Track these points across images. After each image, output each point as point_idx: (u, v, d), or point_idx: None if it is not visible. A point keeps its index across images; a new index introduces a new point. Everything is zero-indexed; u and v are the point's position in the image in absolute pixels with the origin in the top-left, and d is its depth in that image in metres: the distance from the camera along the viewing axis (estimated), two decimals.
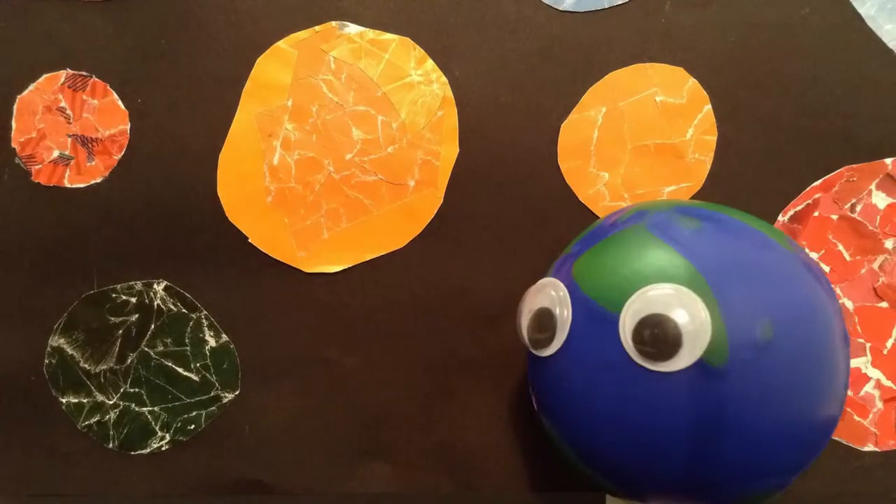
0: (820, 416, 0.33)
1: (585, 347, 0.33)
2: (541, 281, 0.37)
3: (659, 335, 0.30)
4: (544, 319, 0.35)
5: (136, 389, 0.47)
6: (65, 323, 0.47)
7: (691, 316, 0.30)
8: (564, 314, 0.34)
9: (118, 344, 0.47)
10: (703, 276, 0.31)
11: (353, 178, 0.46)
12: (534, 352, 0.36)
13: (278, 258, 0.47)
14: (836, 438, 0.46)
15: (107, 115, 0.46)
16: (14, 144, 0.46)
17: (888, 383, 0.45)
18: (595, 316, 0.33)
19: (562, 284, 0.35)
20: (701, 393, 0.30)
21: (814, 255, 0.46)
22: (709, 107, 0.45)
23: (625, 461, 0.33)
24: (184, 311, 0.47)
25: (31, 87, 0.46)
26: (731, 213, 0.36)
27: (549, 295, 0.35)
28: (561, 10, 0.45)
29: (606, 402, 0.32)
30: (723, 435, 0.31)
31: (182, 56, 0.46)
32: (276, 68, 0.46)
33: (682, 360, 0.30)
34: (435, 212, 0.47)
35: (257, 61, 0.46)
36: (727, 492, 0.33)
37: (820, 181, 0.46)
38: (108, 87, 0.46)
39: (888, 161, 0.45)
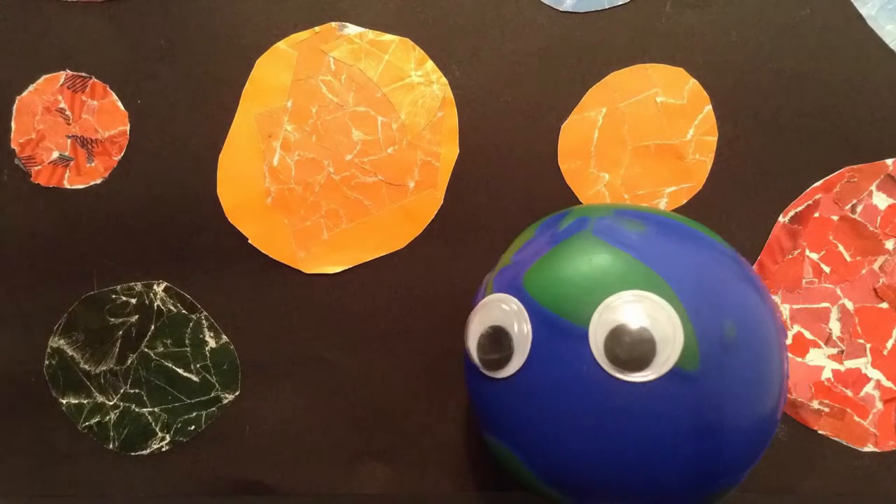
0: (772, 410, 0.33)
1: (551, 364, 0.32)
2: (488, 297, 0.35)
3: (633, 345, 0.30)
4: (498, 338, 0.33)
5: (137, 390, 0.47)
6: (65, 324, 0.47)
7: (663, 323, 0.30)
8: (524, 331, 0.32)
9: (118, 345, 0.47)
10: (666, 281, 0.31)
11: (353, 178, 0.46)
12: (487, 373, 0.34)
13: (278, 259, 0.47)
14: (836, 439, 0.46)
15: (106, 116, 0.46)
16: (14, 145, 0.46)
17: (888, 384, 0.45)
18: (560, 330, 0.31)
19: (514, 299, 0.33)
20: (676, 400, 0.30)
21: (814, 256, 0.46)
22: (709, 107, 0.45)
23: (598, 475, 0.32)
24: (184, 311, 0.47)
25: (31, 88, 0.46)
26: (667, 215, 0.36)
27: (502, 311, 0.33)
28: (561, 11, 0.45)
29: (579, 418, 0.31)
30: (698, 439, 0.31)
31: (182, 57, 0.46)
32: (276, 69, 0.46)
33: (658, 369, 0.30)
34: (435, 212, 0.46)
35: (257, 62, 0.46)
36: (699, 494, 0.33)
37: (821, 182, 0.45)
38: (108, 88, 0.46)
39: (889, 162, 0.45)
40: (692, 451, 0.31)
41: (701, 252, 0.34)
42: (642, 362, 0.30)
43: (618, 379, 0.30)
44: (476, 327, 0.35)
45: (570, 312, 0.31)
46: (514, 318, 0.33)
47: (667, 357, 0.30)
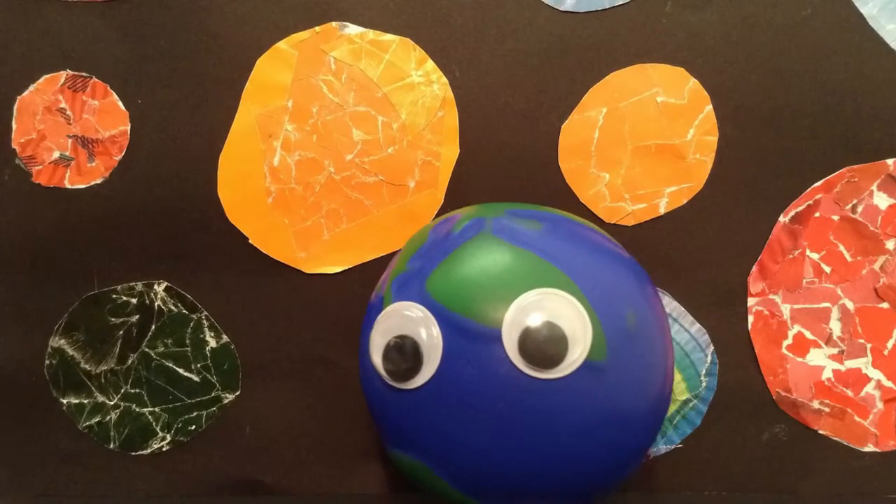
0: (667, 393, 0.35)
1: (465, 369, 0.31)
2: (390, 307, 0.34)
3: (547, 343, 0.30)
4: (406, 348, 0.32)
5: (137, 390, 0.47)
6: (65, 324, 0.47)
7: (573, 318, 0.31)
8: (434, 337, 0.32)
9: (119, 345, 0.47)
10: (569, 277, 0.32)
11: (354, 178, 0.46)
12: (396, 385, 0.33)
13: (279, 259, 0.47)
14: (836, 439, 0.46)
15: (107, 116, 0.46)
16: (14, 145, 0.46)
17: (888, 384, 0.45)
18: (471, 334, 0.31)
19: (419, 306, 0.33)
20: (589, 392, 0.31)
21: (815, 256, 0.46)
22: (710, 107, 0.45)
23: (517, 477, 0.32)
24: (184, 311, 0.47)
25: (32, 87, 0.46)
26: (555, 212, 0.37)
27: (407, 319, 0.32)
28: (561, 11, 0.45)
29: (497, 421, 0.31)
30: (610, 428, 0.32)
31: (182, 57, 0.46)
32: (277, 69, 0.46)
33: (572, 364, 0.30)
34: (435, 212, 0.46)
35: (257, 62, 0.46)
36: (609, 482, 0.34)
37: (821, 182, 0.45)
38: (109, 88, 0.46)
39: (889, 162, 0.45)
40: (605, 440, 0.32)
41: (595, 246, 0.35)
42: (556, 358, 0.30)
43: (533, 377, 0.30)
44: (380, 339, 0.33)
45: (480, 315, 0.31)
46: (421, 325, 0.32)
47: (580, 351, 0.31)
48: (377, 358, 0.33)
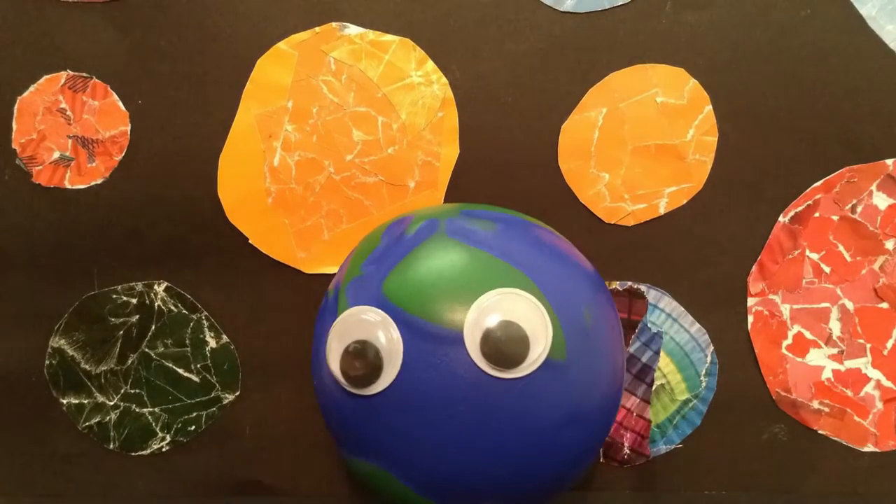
0: (620, 387, 0.35)
1: (427, 372, 0.31)
2: (347, 311, 0.33)
3: (509, 343, 0.30)
4: (365, 353, 0.31)
5: (137, 390, 0.47)
6: (65, 324, 0.47)
7: (533, 318, 0.31)
8: (394, 341, 0.31)
9: (119, 345, 0.47)
10: (528, 277, 0.32)
11: (354, 178, 0.46)
12: (355, 391, 0.32)
13: (279, 259, 0.47)
14: (836, 439, 0.46)
15: (107, 117, 0.46)
16: (15, 145, 0.46)
17: (888, 384, 0.45)
18: (432, 336, 0.31)
19: (377, 310, 0.32)
20: (551, 389, 0.31)
21: (815, 256, 0.46)
22: (709, 107, 0.45)
23: (481, 477, 0.32)
24: (184, 311, 0.47)
25: (32, 88, 0.46)
26: (507, 212, 0.37)
27: (365, 323, 0.32)
28: (561, 11, 0.45)
29: (460, 422, 0.31)
30: (571, 424, 0.32)
31: (182, 57, 0.46)
32: (277, 69, 0.46)
33: (533, 363, 0.31)
34: None
35: (258, 62, 0.46)
36: (569, 477, 0.34)
37: (821, 182, 0.45)
38: (109, 89, 0.46)
39: (889, 162, 0.45)
40: (567, 436, 0.32)
41: (548, 245, 0.35)
42: (518, 358, 0.30)
43: (496, 378, 0.31)
44: (337, 345, 0.32)
45: (440, 317, 0.31)
46: (379, 328, 0.31)
47: (541, 350, 0.31)
48: (335, 364, 0.32)
